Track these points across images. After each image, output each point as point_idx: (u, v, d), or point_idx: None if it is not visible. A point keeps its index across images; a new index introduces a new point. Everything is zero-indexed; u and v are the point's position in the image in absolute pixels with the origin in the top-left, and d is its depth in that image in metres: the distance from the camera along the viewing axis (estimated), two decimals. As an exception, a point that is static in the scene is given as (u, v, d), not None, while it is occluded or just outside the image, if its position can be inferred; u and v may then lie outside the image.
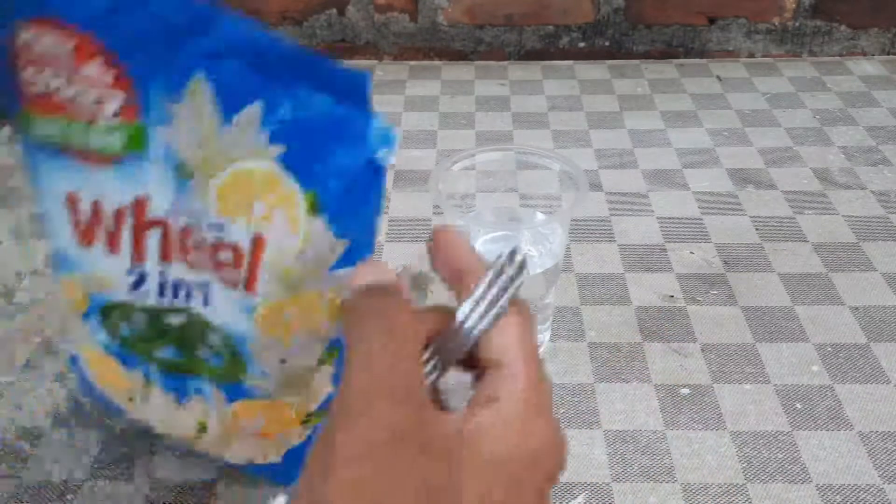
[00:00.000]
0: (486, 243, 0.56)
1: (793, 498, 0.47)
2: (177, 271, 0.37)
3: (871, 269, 0.65)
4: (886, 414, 0.52)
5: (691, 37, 1.01)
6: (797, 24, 1.00)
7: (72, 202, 0.38)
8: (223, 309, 0.37)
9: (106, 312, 0.40)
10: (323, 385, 0.40)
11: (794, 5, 0.98)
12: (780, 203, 0.73)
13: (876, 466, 0.49)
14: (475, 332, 0.27)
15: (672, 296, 0.62)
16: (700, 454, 0.50)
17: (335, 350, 0.39)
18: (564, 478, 0.48)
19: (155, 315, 0.39)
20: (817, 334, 0.58)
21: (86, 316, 0.41)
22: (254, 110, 0.32)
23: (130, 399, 0.43)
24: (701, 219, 0.71)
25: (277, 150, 0.32)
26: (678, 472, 0.49)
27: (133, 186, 0.36)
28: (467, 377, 0.29)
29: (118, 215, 0.37)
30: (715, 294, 0.62)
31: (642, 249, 0.67)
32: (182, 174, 0.34)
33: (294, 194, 0.33)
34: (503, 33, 1.02)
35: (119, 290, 0.39)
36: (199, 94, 0.32)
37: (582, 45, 1.02)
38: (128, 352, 0.41)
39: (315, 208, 0.34)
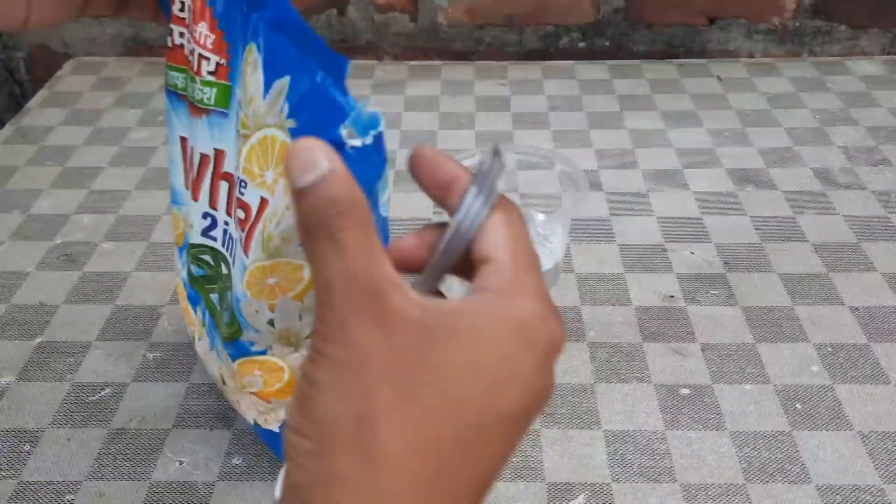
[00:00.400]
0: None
1: (793, 498, 0.47)
2: (231, 226, 0.40)
3: (872, 269, 0.65)
4: (886, 414, 0.52)
5: (691, 37, 1.01)
6: (797, 24, 1.00)
7: (183, 145, 0.43)
8: (235, 268, 0.40)
9: (188, 251, 0.45)
10: None
11: (794, 5, 0.98)
12: (780, 203, 0.73)
13: (876, 467, 0.49)
14: (472, 229, 0.27)
15: (672, 296, 0.62)
16: (700, 454, 0.50)
17: None
18: (564, 478, 0.48)
19: (216, 260, 0.43)
20: (817, 334, 0.58)
21: (181, 250, 0.47)
22: (284, 82, 0.33)
23: (195, 337, 0.49)
24: (701, 219, 0.71)
25: (291, 123, 0.34)
26: (678, 472, 0.49)
27: (216, 139, 0.40)
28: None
29: (203, 163, 0.41)
30: (715, 294, 0.62)
31: (642, 249, 0.67)
32: (238, 133, 0.37)
33: None
34: (503, 33, 1.02)
35: (196, 232, 0.44)
36: (253, 59, 0.34)
37: (582, 45, 1.02)
38: (193, 291, 0.46)
39: None
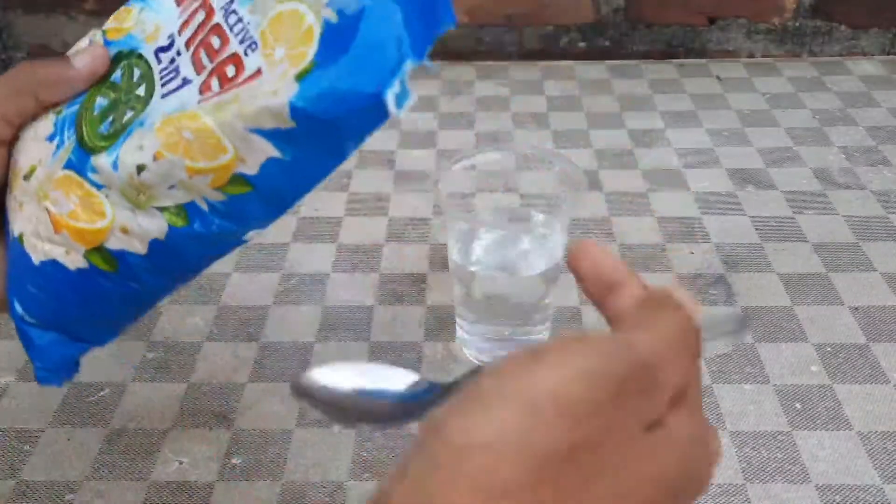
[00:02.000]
0: (486, 242, 0.56)
1: (792, 498, 0.47)
2: (182, 61, 0.36)
3: (871, 269, 0.65)
4: (886, 414, 0.52)
5: (691, 37, 1.01)
6: (797, 24, 1.00)
7: None
8: (161, 99, 0.36)
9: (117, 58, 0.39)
10: None
11: (794, 5, 0.98)
12: (779, 203, 0.73)
13: (875, 466, 0.49)
14: None
15: (672, 296, 0.62)
16: (699, 454, 0.50)
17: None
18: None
19: (143, 78, 0.37)
20: (817, 334, 0.58)
21: (112, 43, 0.40)
22: None
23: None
24: (701, 219, 0.71)
25: (329, 13, 0.32)
26: (678, 472, 0.49)
27: None
28: None
29: None
30: (714, 294, 0.62)
31: (642, 249, 0.67)
32: None
33: (304, 59, 0.32)
34: (503, 33, 1.02)
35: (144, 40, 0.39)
36: None
37: (582, 45, 1.02)
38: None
39: (301, 77, 0.32)
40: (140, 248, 0.37)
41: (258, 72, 0.33)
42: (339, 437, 0.52)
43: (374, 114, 0.31)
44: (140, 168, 0.35)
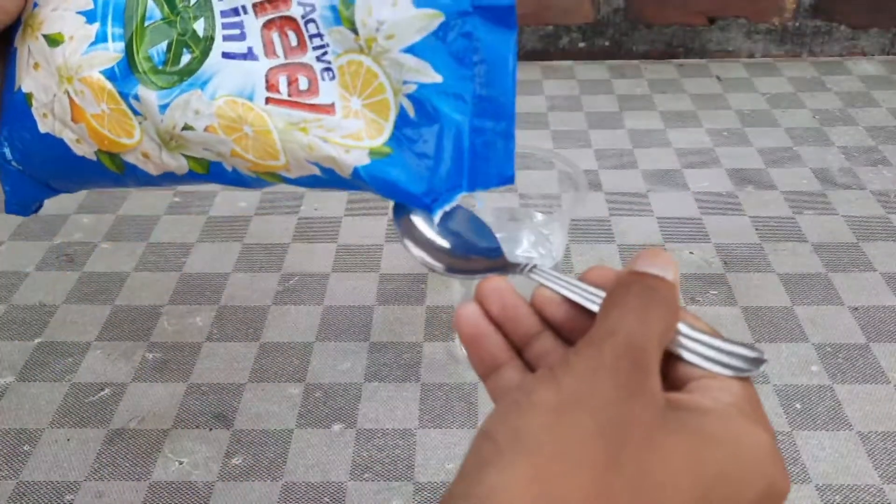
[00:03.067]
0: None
1: (792, 498, 0.47)
2: (255, 44, 0.35)
3: (871, 269, 0.65)
4: (886, 414, 0.52)
5: (691, 37, 1.01)
6: (797, 24, 1.00)
7: None
8: (226, 74, 0.35)
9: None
10: None
11: (793, 5, 0.98)
12: (779, 203, 0.73)
13: (875, 466, 0.49)
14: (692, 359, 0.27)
15: (672, 296, 0.62)
16: (699, 454, 0.50)
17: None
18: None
19: (207, 28, 0.36)
20: (817, 334, 0.59)
21: None
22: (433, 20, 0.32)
23: None
24: (700, 219, 0.71)
25: (407, 102, 0.33)
26: (678, 472, 0.49)
27: None
28: None
29: None
30: (714, 294, 0.62)
31: (642, 250, 0.67)
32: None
33: (380, 134, 0.34)
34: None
35: None
36: None
37: (582, 45, 1.02)
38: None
39: (374, 155, 0.34)
40: (154, 171, 0.38)
41: (332, 107, 0.34)
42: (339, 437, 0.52)
43: (416, 206, 0.34)
44: (187, 127, 0.35)
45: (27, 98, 0.38)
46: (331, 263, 0.66)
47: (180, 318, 0.61)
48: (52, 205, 0.74)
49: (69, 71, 0.36)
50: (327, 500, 0.48)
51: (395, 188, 0.34)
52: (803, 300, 0.62)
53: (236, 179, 0.37)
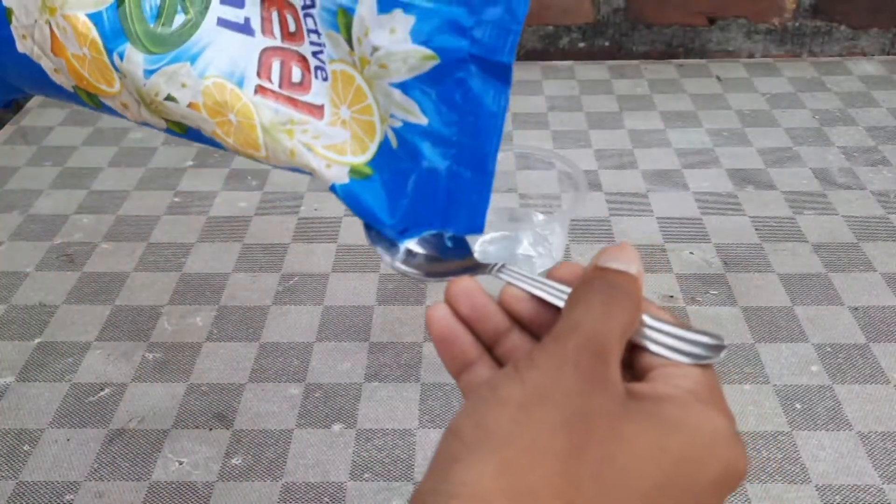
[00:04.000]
0: (485, 244, 0.56)
1: (792, 498, 0.47)
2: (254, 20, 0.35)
3: (871, 269, 0.65)
4: (886, 414, 0.52)
5: (691, 37, 1.01)
6: (797, 24, 1.00)
7: None
8: (219, 48, 0.34)
9: None
10: None
11: (793, 6, 0.98)
12: (779, 203, 0.73)
13: (875, 466, 0.49)
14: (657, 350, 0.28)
15: (672, 296, 0.62)
16: (699, 454, 0.50)
17: None
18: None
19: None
20: (817, 334, 0.58)
21: None
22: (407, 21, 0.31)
23: None
24: (701, 219, 0.71)
25: (391, 135, 0.33)
26: (677, 472, 0.49)
27: None
28: None
29: None
30: (714, 294, 0.62)
31: (642, 250, 0.67)
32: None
33: (364, 152, 0.34)
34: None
35: None
36: None
37: (582, 45, 1.02)
38: None
39: (354, 175, 0.34)
40: (132, 119, 0.37)
41: (321, 109, 0.34)
42: (339, 437, 0.52)
43: (384, 233, 0.34)
44: (170, 98, 0.34)
45: (7, 13, 0.36)
46: (331, 263, 0.66)
47: (180, 318, 0.61)
48: (51, 205, 0.74)
49: (53, 2, 0.34)
50: (327, 500, 0.48)
51: (369, 213, 0.34)
52: (803, 300, 0.62)
53: (213, 143, 0.36)
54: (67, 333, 0.60)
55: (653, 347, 0.27)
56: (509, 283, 0.30)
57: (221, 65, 0.34)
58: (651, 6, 0.99)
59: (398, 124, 0.33)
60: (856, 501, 0.47)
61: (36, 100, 0.93)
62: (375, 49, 0.32)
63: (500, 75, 0.31)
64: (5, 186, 0.78)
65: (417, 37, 0.31)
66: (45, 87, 0.38)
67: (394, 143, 0.33)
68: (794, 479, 0.48)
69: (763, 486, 0.48)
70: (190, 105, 0.34)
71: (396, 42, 0.31)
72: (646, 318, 0.28)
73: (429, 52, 0.31)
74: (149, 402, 0.54)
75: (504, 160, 0.58)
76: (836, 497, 0.47)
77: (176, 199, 0.75)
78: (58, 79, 0.36)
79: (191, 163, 0.81)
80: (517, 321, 0.30)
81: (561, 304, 0.28)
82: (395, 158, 0.33)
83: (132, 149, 0.83)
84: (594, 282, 0.28)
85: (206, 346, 0.59)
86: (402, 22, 0.31)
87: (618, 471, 0.23)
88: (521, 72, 0.98)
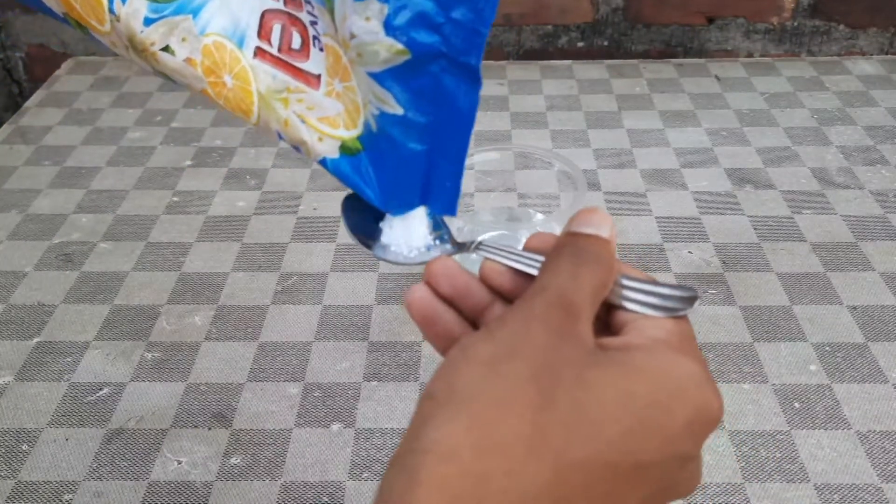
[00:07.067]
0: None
1: (791, 497, 0.47)
2: None
3: (870, 268, 0.65)
4: (884, 413, 0.52)
5: (690, 36, 1.01)
6: (796, 23, 1.00)
7: None
8: (223, 6, 0.34)
9: None
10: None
11: (792, 5, 0.98)
12: (778, 203, 0.73)
13: (874, 466, 0.49)
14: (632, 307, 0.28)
15: (670, 295, 0.62)
16: (698, 454, 0.50)
17: None
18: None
19: None
20: (815, 334, 0.59)
21: None
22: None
23: None
24: (699, 218, 0.71)
25: (371, 120, 0.33)
26: (676, 471, 0.49)
27: None
28: None
29: None
30: (713, 294, 0.62)
31: (641, 249, 0.67)
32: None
33: (354, 127, 0.34)
34: (502, 33, 1.02)
35: None
36: None
37: (581, 44, 1.02)
38: None
39: (344, 151, 0.35)
40: (117, 53, 0.36)
41: (318, 79, 0.34)
42: (338, 436, 0.52)
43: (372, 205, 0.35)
44: (167, 49, 0.34)
45: None
46: (329, 263, 0.66)
47: (179, 317, 0.61)
48: (50, 205, 0.74)
49: None
50: (326, 499, 0.48)
51: (356, 189, 0.35)
52: (802, 299, 0.62)
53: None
54: (66, 333, 0.60)
55: (628, 305, 0.28)
56: (487, 259, 0.31)
57: (223, 21, 0.34)
58: (650, 6, 0.99)
59: (376, 112, 0.33)
60: (854, 500, 0.47)
61: (35, 99, 0.93)
62: (353, 36, 0.32)
63: (470, 76, 0.32)
64: (4, 186, 0.78)
65: (390, 29, 0.31)
66: (37, 2, 0.37)
67: (374, 128, 0.34)
68: (792, 478, 0.48)
69: (762, 485, 0.48)
70: (187, 60, 0.34)
71: (370, 32, 0.31)
72: (621, 279, 0.28)
73: (400, 46, 0.31)
74: (148, 402, 0.54)
75: (503, 160, 0.58)
76: (835, 496, 0.47)
77: (175, 199, 0.75)
78: (48, 1, 0.36)
79: (189, 162, 0.81)
80: (499, 294, 0.31)
81: (537, 273, 0.29)
82: (377, 139, 0.34)
83: (131, 148, 0.83)
84: (564, 247, 0.28)
85: (205, 346, 0.59)
86: (377, 11, 0.31)
87: (587, 419, 0.23)
88: (520, 71, 0.98)
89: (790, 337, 0.58)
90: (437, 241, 0.34)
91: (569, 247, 0.28)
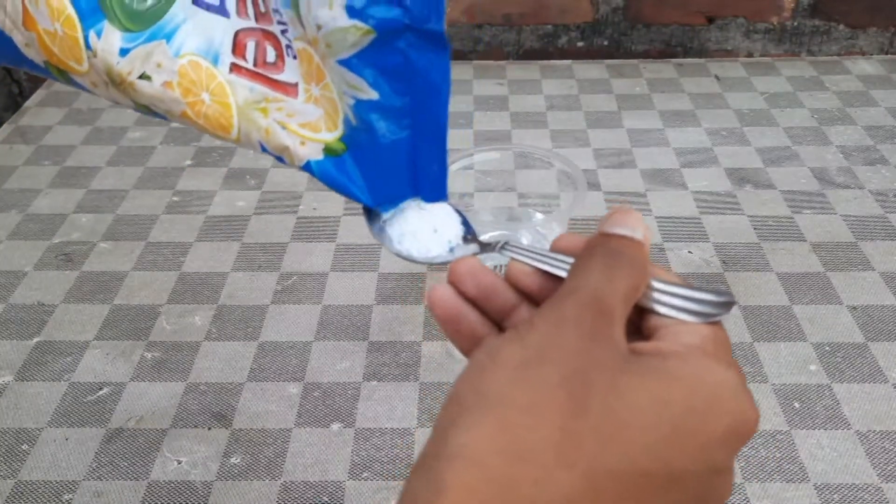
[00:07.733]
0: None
1: (791, 497, 0.47)
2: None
3: (869, 268, 0.65)
4: (884, 413, 0.52)
5: (690, 36, 1.01)
6: (796, 23, 1.00)
7: None
8: (194, 25, 0.34)
9: None
10: None
11: (792, 5, 0.98)
12: (778, 203, 0.73)
13: (874, 465, 0.49)
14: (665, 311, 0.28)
15: (670, 295, 0.62)
16: (698, 453, 0.50)
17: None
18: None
19: None
20: (815, 333, 0.59)
21: None
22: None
23: None
24: (699, 218, 0.71)
25: (350, 112, 0.33)
26: (676, 471, 0.49)
27: None
28: None
29: None
30: (713, 293, 0.62)
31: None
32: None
33: (335, 130, 0.34)
34: (502, 33, 1.02)
35: None
36: None
37: (580, 44, 1.02)
38: None
39: (328, 152, 0.35)
40: (102, 96, 0.36)
41: (295, 87, 0.34)
42: (338, 436, 0.52)
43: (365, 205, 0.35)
44: (144, 77, 0.34)
45: None
46: (329, 263, 0.66)
47: (179, 317, 0.61)
48: (50, 204, 0.74)
49: None
50: (326, 499, 0.48)
51: (344, 189, 0.34)
52: (802, 299, 0.62)
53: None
54: (66, 333, 0.60)
55: (661, 309, 0.27)
56: (513, 259, 0.30)
57: (197, 41, 0.34)
58: (650, 5, 0.99)
59: (351, 102, 0.33)
60: (854, 500, 0.47)
61: (35, 99, 0.93)
62: (319, 27, 0.32)
63: (436, 43, 0.32)
64: (4, 186, 0.78)
65: (352, 11, 0.31)
66: (17, 60, 0.37)
67: (353, 120, 0.34)
68: (792, 477, 0.48)
69: (762, 484, 0.48)
70: (164, 84, 0.34)
71: (335, 18, 0.31)
72: (654, 283, 0.28)
73: (365, 26, 0.31)
74: (147, 402, 0.54)
75: (503, 159, 0.58)
76: (835, 496, 0.47)
77: (175, 199, 0.75)
78: (29, 53, 0.36)
79: (189, 162, 0.81)
80: (526, 296, 0.30)
81: (565, 274, 0.28)
82: (358, 134, 0.34)
83: (131, 148, 0.83)
84: (597, 248, 0.27)
85: (205, 346, 0.59)
86: None
87: (619, 426, 0.23)
88: (520, 71, 0.98)
89: (790, 337, 0.58)
90: (461, 241, 0.34)
91: (601, 248, 0.27)
